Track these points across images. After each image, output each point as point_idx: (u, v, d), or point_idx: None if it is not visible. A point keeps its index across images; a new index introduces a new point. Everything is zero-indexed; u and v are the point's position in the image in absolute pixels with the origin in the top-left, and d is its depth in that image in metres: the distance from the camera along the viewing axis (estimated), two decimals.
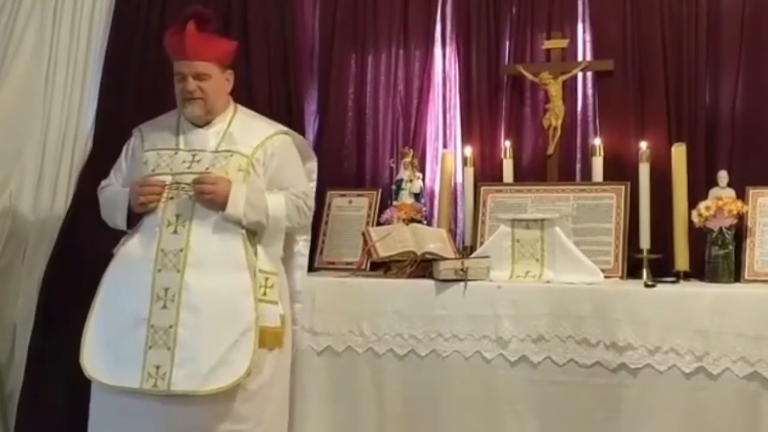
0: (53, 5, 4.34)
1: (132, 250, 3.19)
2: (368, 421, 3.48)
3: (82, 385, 3.56)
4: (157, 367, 2.97)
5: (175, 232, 3.13)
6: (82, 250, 4.11)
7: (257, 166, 3.27)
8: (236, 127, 3.32)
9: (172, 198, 3.16)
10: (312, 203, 3.47)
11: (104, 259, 3.82)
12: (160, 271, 3.08)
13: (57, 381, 3.97)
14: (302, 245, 3.55)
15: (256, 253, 3.18)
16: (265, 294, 3.16)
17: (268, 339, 3.12)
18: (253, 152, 3.26)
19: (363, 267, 3.90)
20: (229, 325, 3.02)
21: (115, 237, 3.55)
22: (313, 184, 3.61)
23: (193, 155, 3.24)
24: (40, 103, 4.29)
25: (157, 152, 3.28)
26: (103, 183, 3.45)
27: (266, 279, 3.18)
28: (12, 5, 4.27)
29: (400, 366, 3.47)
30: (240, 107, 3.43)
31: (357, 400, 3.51)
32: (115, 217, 3.31)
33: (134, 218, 3.25)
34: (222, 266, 3.10)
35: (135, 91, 4.36)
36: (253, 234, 3.20)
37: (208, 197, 3.12)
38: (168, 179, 3.19)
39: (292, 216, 3.31)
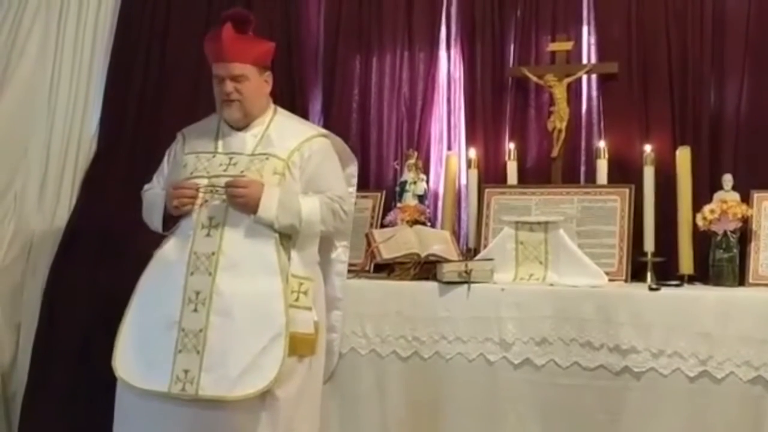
0: (58, 8, 4.35)
1: (167, 253, 3.16)
2: (371, 423, 3.48)
3: (86, 385, 3.57)
4: (186, 371, 2.93)
5: (208, 235, 3.09)
6: (86, 252, 4.12)
7: (293, 169, 3.21)
8: (274, 129, 3.27)
9: (206, 201, 3.13)
10: (349, 207, 3.38)
11: (108, 260, 3.83)
12: (193, 274, 3.05)
13: (60, 382, 3.98)
14: (341, 251, 3.50)
15: (289, 258, 3.13)
16: (297, 299, 3.10)
17: (299, 346, 3.06)
18: (289, 155, 3.21)
19: (366, 268, 3.89)
20: (259, 331, 2.97)
21: (119, 238, 3.55)
22: (353, 189, 3.55)
23: (230, 158, 3.21)
24: (45, 105, 4.31)
25: (196, 155, 3.25)
26: (146, 186, 3.42)
27: (300, 284, 3.12)
28: (17, 8, 4.29)
29: (404, 368, 3.47)
30: (280, 109, 3.39)
31: (360, 401, 3.50)
32: (153, 220, 3.29)
33: (171, 221, 3.23)
34: (254, 270, 3.06)
35: (139, 94, 4.38)
36: (288, 238, 3.15)
37: (240, 201, 3.08)
38: (204, 182, 3.16)
39: (327, 220, 3.24)
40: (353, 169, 3.57)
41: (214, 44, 3.23)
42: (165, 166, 3.42)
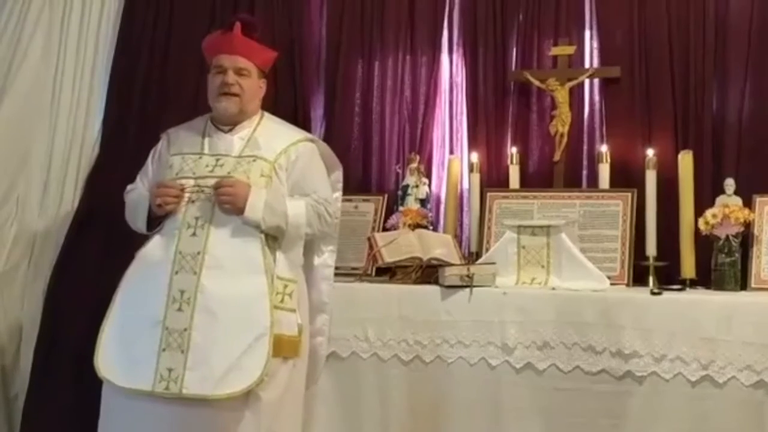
0: (61, 12, 4.36)
1: (151, 252, 3.15)
2: (372, 427, 3.47)
3: (87, 387, 3.56)
4: (170, 370, 2.93)
5: (193, 234, 3.10)
6: (88, 255, 4.12)
7: (280, 172, 3.22)
8: (261, 132, 3.28)
9: (193, 201, 3.14)
10: (334, 210, 3.39)
11: (110, 263, 3.83)
12: (178, 273, 3.05)
13: (62, 384, 3.98)
14: (328, 256, 3.48)
15: (275, 259, 3.13)
16: (282, 301, 3.10)
17: (284, 347, 3.06)
18: (276, 158, 3.22)
19: (368, 272, 3.89)
20: (243, 330, 2.97)
21: (121, 241, 3.55)
22: (339, 194, 3.54)
23: (217, 160, 3.21)
24: (48, 109, 4.31)
25: (182, 156, 3.26)
26: (129, 187, 3.42)
27: (285, 286, 3.12)
28: (20, 11, 4.29)
29: (405, 372, 3.46)
30: (267, 114, 3.40)
31: (361, 405, 3.50)
32: (137, 220, 3.29)
33: (154, 222, 3.23)
34: (239, 270, 3.06)
35: (142, 97, 4.38)
36: (273, 239, 3.15)
37: (227, 199, 3.08)
38: (190, 183, 3.16)
39: (313, 222, 3.24)
40: (338, 174, 3.55)
41: (221, 38, 3.28)
42: (149, 166, 3.41)
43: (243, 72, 3.24)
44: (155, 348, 2.97)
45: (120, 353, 3.03)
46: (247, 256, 3.10)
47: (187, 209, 3.14)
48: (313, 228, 3.26)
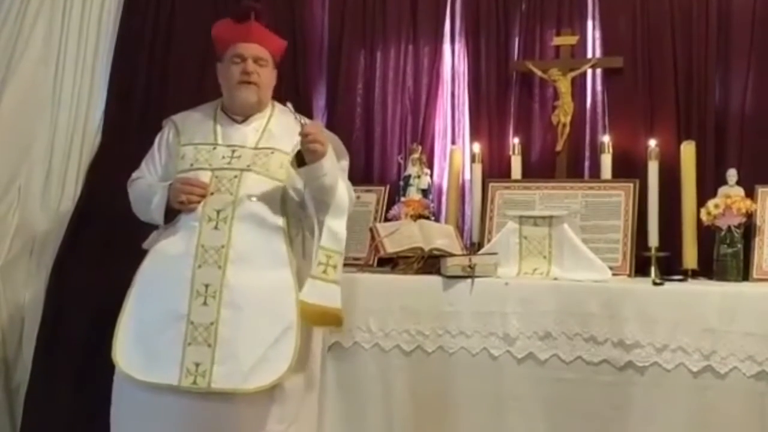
0: (62, 2, 4.35)
1: (169, 246, 3.11)
2: (375, 417, 3.47)
3: (89, 379, 3.58)
4: (197, 365, 2.90)
5: (215, 228, 3.05)
6: (90, 244, 4.13)
7: None
8: (275, 124, 3.26)
9: (212, 193, 3.10)
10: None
11: (112, 254, 3.84)
12: (200, 267, 3.01)
13: (64, 375, 3.98)
14: None
15: (293, 249, 3.11)
16: (325, 272, 3.05)
17: (327, 319, 3.06)
18: (294, 149, 3.16)
19: (370, 263, 3.90)
20: (270, 323, 2.96)
21: (123, 232, 3.55)
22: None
23: (233, 151, 3.18)
24: (49, 98, 4.30)
25: (195, 147, 3.21)
26: (134, 175, 3.37)
27: (328, 257, 3.07)
28: (21, 2, 4.28)
29: (407, 362, 3.46)
30: (278, 104, 3.37)
31: (364, 396, 3.50)
32: (150, 212, 3.22)
33: (171, 213, 3.18)
34: (264, 264, 3.04)
35: (144, 86, 4.38)
36: (295, 231, 3.15)
37: (321, 143, 3.02)
38: (207, 174, 3.13)
39: (351, 200, 3.24)
40: (345, 164, 3.54)
41: (237, 27, 3.24)
42: (156, 154, 3.35)
43: (261, 62, 3.23)
44: (180, 342, 2.94)
45: (140, 348, 2.98)
46: (272, 249, 3.08)
47: (206, 202, 3.10)
48: (350, 205, 3.24)
